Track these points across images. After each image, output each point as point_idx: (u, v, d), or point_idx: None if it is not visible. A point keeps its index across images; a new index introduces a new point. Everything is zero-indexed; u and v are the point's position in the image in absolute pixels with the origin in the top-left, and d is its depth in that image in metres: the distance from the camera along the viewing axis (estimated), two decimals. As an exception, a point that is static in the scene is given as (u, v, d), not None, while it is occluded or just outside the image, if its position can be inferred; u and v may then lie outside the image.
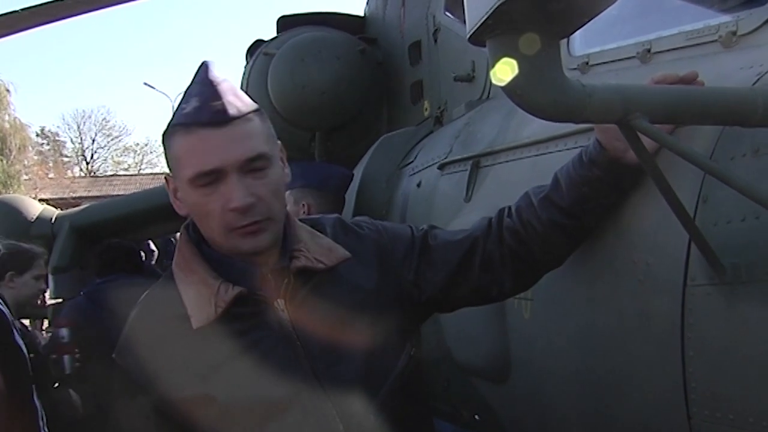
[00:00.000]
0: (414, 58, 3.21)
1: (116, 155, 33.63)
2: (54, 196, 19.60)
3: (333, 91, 3.31)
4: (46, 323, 5.47)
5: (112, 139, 33.53)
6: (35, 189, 21.52)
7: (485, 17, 0.94)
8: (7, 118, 20.59)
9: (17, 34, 3.85)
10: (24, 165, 22.71)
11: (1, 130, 20.24)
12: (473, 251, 1.39)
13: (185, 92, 1.31)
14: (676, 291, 1.19)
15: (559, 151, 1.60)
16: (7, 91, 20.31)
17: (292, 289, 1.29)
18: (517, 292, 1.48)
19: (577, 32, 1.09)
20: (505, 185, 1.84)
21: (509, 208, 1.42)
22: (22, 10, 3.42)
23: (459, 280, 1.39)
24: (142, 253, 4.34)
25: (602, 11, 0.97)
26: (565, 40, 1.60)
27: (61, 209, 5.25)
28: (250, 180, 1.24)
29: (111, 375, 1.35)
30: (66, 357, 3.28)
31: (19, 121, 21.34)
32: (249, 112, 1.26)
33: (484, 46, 1.02)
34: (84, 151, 32.71)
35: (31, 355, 2.57)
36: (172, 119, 1.29)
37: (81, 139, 32.70)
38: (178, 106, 1.29)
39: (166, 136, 1.29)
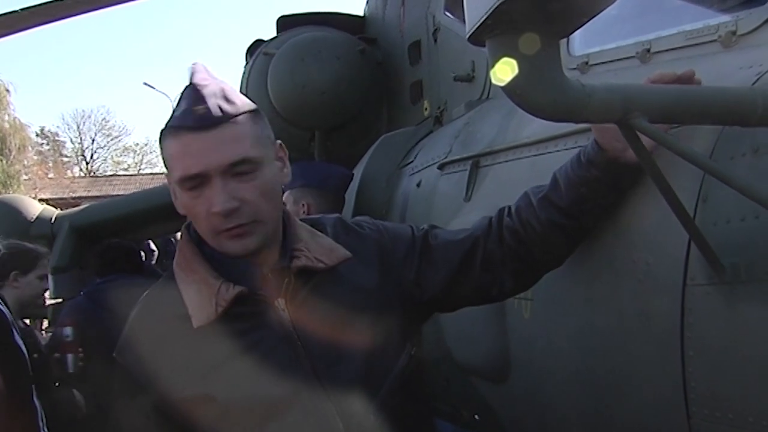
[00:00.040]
0: (414, 58, 3.21)
1: (116, 155, 33.63)
2: (54, 196, 19.56)
3: (333, 91, 3.31)
4: (45, 323, 5.46)
5: (111, 139, 33.53)
6: (35, 189, 21.49)
7: (485, 17, 0.94)
8: (6, 118, 20.55)
9: (17, 34, 3.85)
10: (24, 165, 22.66)
11: (1, 130, 20.19)
12: (474, 251, 1.40)
13: (180, 94, 1.31)
14: (676, 291, 1.19)
15: (559, 151, 1.60)
16: (7, 91, 20.29)
17: (292, 289, 1.29)
18: (517, 291, 1.49)
19: (577, 32, 1.09)
20: (505, 185, 1.84)
21: (509, 207, 1.42)
22: (22, 10, 3.41)
23: (460, 280, 1.40)
24: (142, 253, 4.33)
25: (602, 11, 0.97)
26: (565, 40, 1.60)
27: (61, 209, 5.23)
28: (235, 183, 1.23)
29: (111, 375, 1.35)
30: (69, 356, 3.25)
31: (19, 121, 21.33)
32: (237, 115, 1.25)
33: (484, 46, 1.02)
34: (84, 151, 32.70)
35: (34, 355, 2.57)
36: (167, 121, 1.30)
37: (81, 139, 32.70)
38: (174, 108, 1.30)
39: (161, 138, 1.30)
